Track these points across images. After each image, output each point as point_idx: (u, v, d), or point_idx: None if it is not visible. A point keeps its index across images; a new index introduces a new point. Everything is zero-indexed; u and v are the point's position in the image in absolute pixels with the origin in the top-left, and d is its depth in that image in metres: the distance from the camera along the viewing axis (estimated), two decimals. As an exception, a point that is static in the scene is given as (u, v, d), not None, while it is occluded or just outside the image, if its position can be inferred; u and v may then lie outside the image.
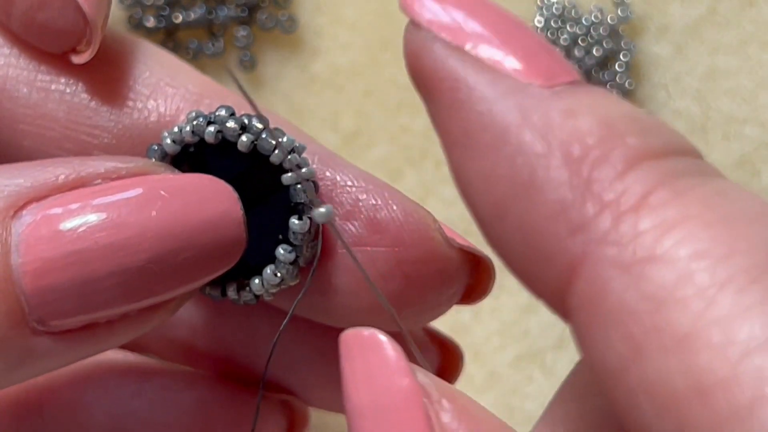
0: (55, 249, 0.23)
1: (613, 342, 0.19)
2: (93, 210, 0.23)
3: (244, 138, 0.25)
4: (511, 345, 0.42)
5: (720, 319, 0.18)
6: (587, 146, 0.20)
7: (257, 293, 0.26)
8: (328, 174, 0.26)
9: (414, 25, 0.23)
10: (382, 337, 0.22)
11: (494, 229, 0.21)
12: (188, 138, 0.25)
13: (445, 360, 0.30)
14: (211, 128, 0.25)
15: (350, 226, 0.26)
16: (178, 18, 0.42)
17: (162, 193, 0.24)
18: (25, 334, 0.23)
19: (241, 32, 0.42)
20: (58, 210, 0.23)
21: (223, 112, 0.25)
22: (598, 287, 0.19)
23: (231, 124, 0.25)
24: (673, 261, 0.19)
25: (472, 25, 0.22)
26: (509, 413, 0.41)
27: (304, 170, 0.25)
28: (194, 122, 0.25)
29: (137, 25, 0.42)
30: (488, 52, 0.22)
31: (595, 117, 0.20)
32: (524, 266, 0.21)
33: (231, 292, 0.26)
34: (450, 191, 0.42)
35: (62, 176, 0.24)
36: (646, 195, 0.19)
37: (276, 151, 0.25)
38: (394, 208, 0.26)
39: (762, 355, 0.17)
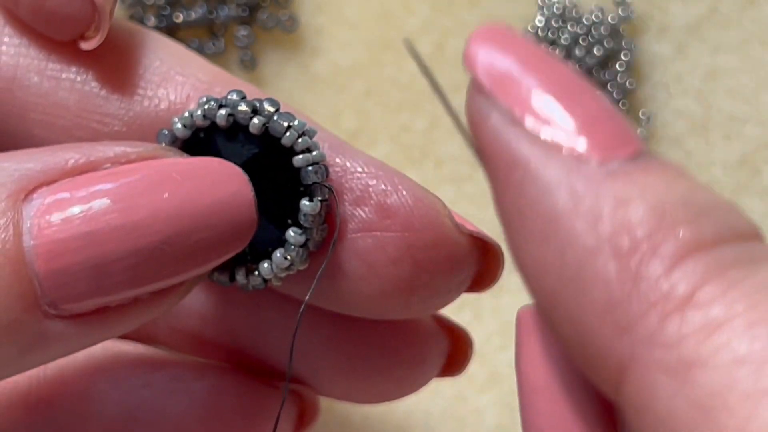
0: (67, 231, 0.23)
1: None
2: (104, 193, 0.23)
3: (255, 120, 0.25)
4: (512, 345, 0.42)
5: (763, 427, 0.18)
6: (636, 239, 0.20)
7: (266, 277, 0.26)
8: (338, 160, 0.26)
9: (476, 87, 0.22)
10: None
11: (548, 317, 0.21)
12: (199, 122, 0.25)
13: (454, 347, 0.30)
14: (223, 111, 0.25)
15: (360, 212, 0.26)
16: (179, 17, 0.42)
17: (173, 175, 0.24)
18: (37, 318, 0.23)
19: (242, 32, 0.42)
20: (68, 193, 0.23)
21: (234, 96, 0.25)
22: (647, 394, 0.19)
23: (243, 107, 0.25)
24: (718, 367, 0.18)
25: (533, 82, 0.21)
26: (510, 413, 0.41)
27: (315, 153, 0.25)
28: (205, 106, 0.25)
29: (138, 25, 0.42)
30: (548, 119, 0.21)
31: (646, 205, 0.20)
32: (578, 357, 0.20)
33: (240, 277, 0.26)
34: (450, 191, 0.42)
35: (72, 160, 0.24)
36: (692, 292, 0.19)
37: (287, 134, 0.25)
38: (404, 193, 0.26)
39: None
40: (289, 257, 0.25)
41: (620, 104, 0.42)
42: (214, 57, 0.42)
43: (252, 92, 0.26)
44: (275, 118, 0.25)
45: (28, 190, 0.23)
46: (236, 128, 0.25)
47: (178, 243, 0.23)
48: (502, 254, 0.27)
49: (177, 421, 0.29)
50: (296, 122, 0.25)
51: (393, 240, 0.26)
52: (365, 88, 0.42)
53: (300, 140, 0.25)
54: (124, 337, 0.29)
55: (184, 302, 0.28)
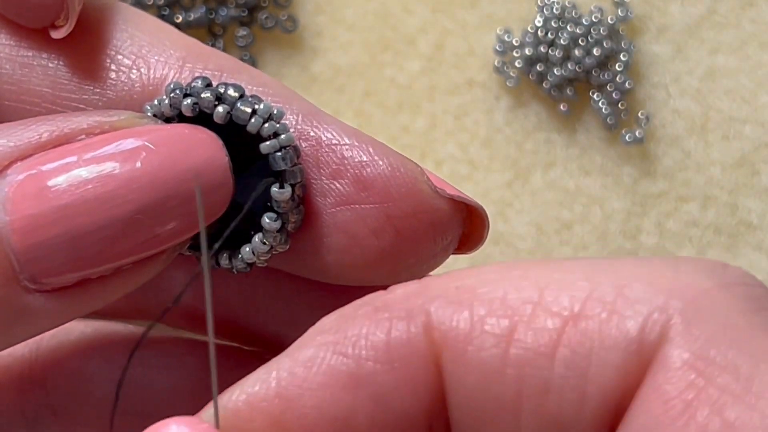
0: (41, 205, 0.23)
1: None
2: (77, 165, 0.23)
3: (220, 109, 0.25)
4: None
5: None
6: None
7: (249, 261, 0.26)
8: (312, 133, 0.26)
9: None
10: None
11: None
12: (167, 111, 0.25)
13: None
14: (188, 101, 0.25)
15: (337, 185, 0.26)
16: (179, 18, 0.42)
17: (146, 143, 0.24)
18: (17, 293, 0.23)
19: (242, 32, 0.42)
20: (42, 167, 0.23)
21: (199, 83, 0.25)
22: None
23: (206, 95, 0.25)
24: None
25: None
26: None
27: (282, 137, 0.25)
28: (171, 95, 0.25)
29: (138, 25, 0.42)
30: None
31: None
32: None
33: (224, 261, 0.26)
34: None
35: (46, 134, 0.24)
36: None
37: (252, 120, 0.25)
38: (380, 163, 0.26)
39: None
40: (267, 242, 0.25)
41: (619, 104, 0.42)
42: (214, 57, 0.42)
43: (229, 67, 0.26)
44: (239, 105, 0.25)
45: (2, 167, 0.23)
46: (206, 115, 0.25)
47: (154, 212, 0.23)
48: (485, 215, 0.27)
49: (170, 395, 0.29)
50: (261, 106, 0.25)
51: (372, 211, 0.25)
52: (364, 89, 0.42)
53: (266, 125, 0.25)
54: (115, 315, 0.29)
55: (174, 277, 0.28)
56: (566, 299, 0.21)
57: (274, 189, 0.25)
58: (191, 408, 0.27)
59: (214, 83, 0.26)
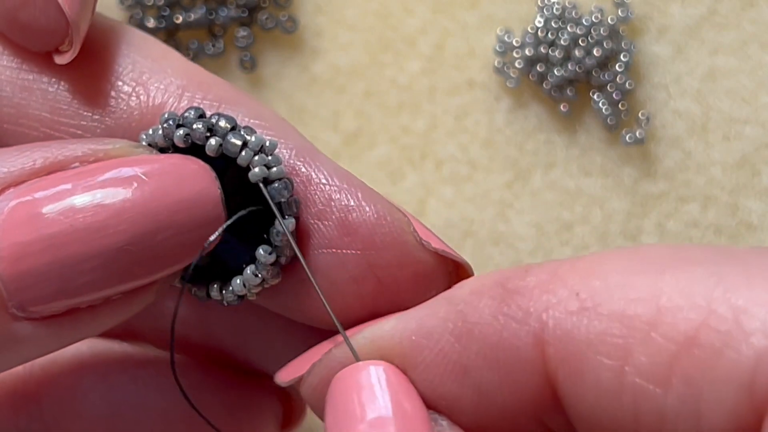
0: (31, 233, 0.23)
1: None
2: (69, 194, 0.23)
3: (212, 141, 0.24)
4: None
5: None
6: None
7: (239, 294, 0.25)
8: (303, 170, 0.25)
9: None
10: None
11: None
12: (161, 142, 0.25)
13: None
14: (180, 131, 0.25)
15: (321, 227, 0.25)
16: (179, 19, 0.42)
17: (139, 174, 0.23)
18: (5, 320, 0.23)
19: (242, 33, 0.42)
20: (34, 195, 0.23)
21: (191, 114, 0.25)
22: None
23: (198, 126, 0.25)
24: None
25: None
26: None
27: (274, 169, 0.25)
28: (164, 125, 0.25)
29: (138, 26, 0.42)
30: None
31: None
32: None
33: (214, 293, 0.26)
34: (450, 191, 0.42)
35: (40, 160, 0.24)
36: None
37: (242, 153, 0.24)
38: (367, 209, 0.25)
39: None
40: (259, 275, 0.25)
41: (620, 105, 0.42)
42: (214, 58, 0.42)
43: (227, 98, 0.26)
44: (229, 137, 0.24)
45: None
46: (197, 147, 0.25)
47: (144, 243, 0.23)
48: (471, 272, 0.27)
49: (161, 416, 0.29)
50: (253, 138, 0.25)
51: (354, 258, 0.25)
52: (365, 89, 0.42)
53: (256, 158, 0.25)
54: (110, 335, 0.29)
55: (166, 305, 0.28)
56: (682, 323, 0.20)
57: (277, 222, 0.25)
58: (185, 429, 0.27)
59: (210, 113, 0.25)
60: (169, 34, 0.42)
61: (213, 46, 0.42)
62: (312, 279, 0.25)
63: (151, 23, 0.42)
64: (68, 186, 0.23)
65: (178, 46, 0.42)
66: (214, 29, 0.43)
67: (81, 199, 0.23)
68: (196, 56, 0.42)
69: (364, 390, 0.23)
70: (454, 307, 0.23)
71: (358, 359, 0.24)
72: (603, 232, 0.42)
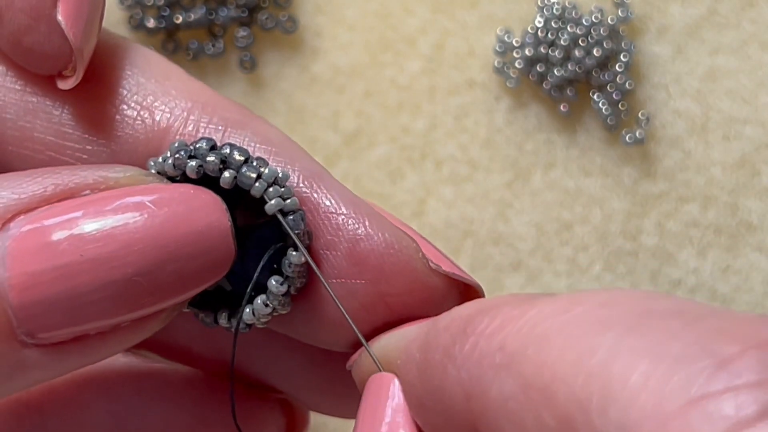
0: (41, 263, 0.23)
1: None
2: (79, 223, 0.23)
3: (226, 174, 0.24)
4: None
5: None
6: None
7: (248, 322, 0.25)
8: (310, 196, 0.25)
9: None
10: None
11: None
12: (170, 171, 0.25)
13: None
14: (193, 163, 0.24)
15: (330, 257, 0.25)
16: (179, 19, 0.42)
17: (149, 204, 0.23)
18: (14, 347, 0.23)
19: (242, 33, 0.42)
20: (44, 222, 0.23)
21: (203, 145, 0.25)
22: None
23: (211, 158, 0.24)
24: None
25: None
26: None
27: (288, 201, 0.25)
28: (176, 155, 0.25)
29: (138, 26, 0.42)
30: None
31: None
32: None
33: (222, 321, 0.26)
34: (450, 191, 0.42)
35: (51, 187, 0.24)
36: None
37: (257, 184, 0.24)
38: (375, 238, 0.25)
39: None
40: (270, 305, 0.25)
41: (619, 105, 0.42)
42: (214, 58, 0.42)
43: (233, 121, 0.25)
44: (244, 170, 0.24)
45: (5, 219, 0.23)
46: (208, 177, 0.25)
47: (153, 274, 0.23)
48: (482, 293, 0.27)
49: (164, 429, 0.29)
50: (266, 170, 0.25)
51: (364, 287, 0.25)
52: (365, 89, 0.42)
53: (271, 190, 0.24)
54: None
55: (171, 320, 0.28)
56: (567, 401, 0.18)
57: (291, 252, 0.25)
58: None
59: (219, 141, 0.25)
60: (169, 34, 0.42)
61: (213, 46, 0.42)
62: (341, 307, 0.25)
63: (151, 23, 0.42)
64: (78, 214, 0.23)
65: (178, 46, 0.42)
66: (214, 29, 0.43)
67: (91, 228, 0.23)
68: (196, 56, 0.42)
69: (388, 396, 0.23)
70: (425, 337, 0.23)
71: (380, 369, 0.24)
72: (603, 232, 0.42)
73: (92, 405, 0.28)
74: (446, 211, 0.42)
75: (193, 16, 0.42)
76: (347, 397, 0.28)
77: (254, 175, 0.24)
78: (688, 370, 0.17)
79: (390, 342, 0.24)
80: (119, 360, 0.29)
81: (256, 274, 0.25)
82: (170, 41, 0.42)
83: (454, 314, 0.23)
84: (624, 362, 0.18)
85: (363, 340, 0.25)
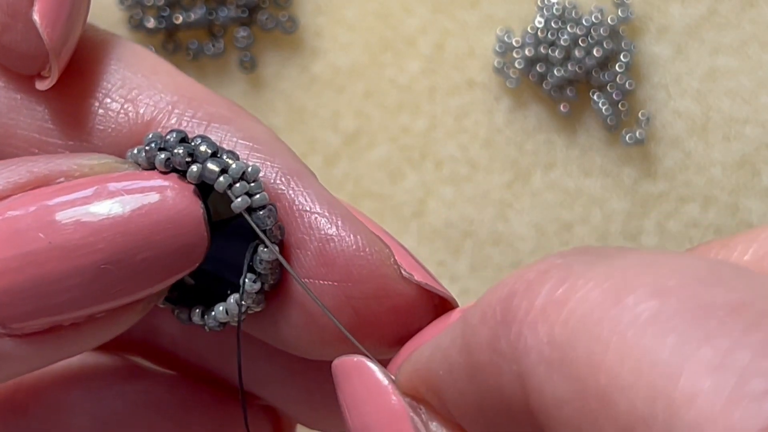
0: (9, 249, 0.22)
1: None
2: (49, 210, 0.23)
3: (194, 168, 0.24)
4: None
5: None
6: None
7: (221, 321, 0.25)
8: (288, 194, 0.25)
9: None
10: (369, 364, 0.23)
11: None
12: (143, 163, 0.25)
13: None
14: (162, 155, 0.24)
15: (299, 255, 0.25)
16: (179, 19, 0.42)
17: (120, 191, 0.23)
18: None
19: (242, 33, 0.42)
20: (16, 211, 0.23)
21: (173, 137, 0.24)
22: None
23: (179, 150, 0.24)
24: None
25: None
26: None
27: (257, 197, 0.24)
28: (147, 147, 0.24)
29: (137, 26, 0.42)
30: None
31: None
32: None
33: (196, 318, 0.25)
34: (450, 191, 0.42)
35: (26, 176, 0.24)
36: None
37: (220, 179, 0.24)
38: (346, 239, 0.24)
39: None
40: (243, 302, 0.25)
41: (620, 105, 0.42)
42: (214, 58, 0.42)
43: (218, 116, 0.25)
44: (208, 164, 0.24)
45: None
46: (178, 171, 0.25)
47: (123, 262, 0.23)
48: (456, 305, 0.26)
49: (149, 431, 0.28)
50: (234, 165, 0.24)
51: (331, 289, 0.24)
52: (365, 89, 0.42)
53: (237, 185, 0.24)
54: (100, 348, 0.29)
55: (155, 323, 0.28)
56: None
57: (262, 248, 0.24)
58: None
59: (194, 136, 0.25)
60: (169, 35, 0.42)
61: (213, 46, 0.42)
62: (320, 304, 0.24)
63: (150, 23, 0.42)
64: (49, 202, 0.23)
65: (178, 47, 0.42)
66: (214, 29, 0.43)
67: (60, 216, 0.23)
68: (196, 56, 0.42)
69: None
70: (463, 339, 0.21)
71: (371, 359, 0.24)
72: (603, 233, 0.42)
73: (76, 407, 0.28)
74: (446, 211, 0.42)
75: (193, 16, 0.42)
76: (325, 409, 0.28)
77: (218, 169, 0.24)
78: (759, 388, 0.16)
79: (420, 357, 0.23)
80: (105, 362, 0.29)
81: (244, 271, 0.25)
82: (170, 41, 0.42)
83: (483, 305, 0.21)
84: (689, 378, 0.17)
85: (345, 331, 0.24)
